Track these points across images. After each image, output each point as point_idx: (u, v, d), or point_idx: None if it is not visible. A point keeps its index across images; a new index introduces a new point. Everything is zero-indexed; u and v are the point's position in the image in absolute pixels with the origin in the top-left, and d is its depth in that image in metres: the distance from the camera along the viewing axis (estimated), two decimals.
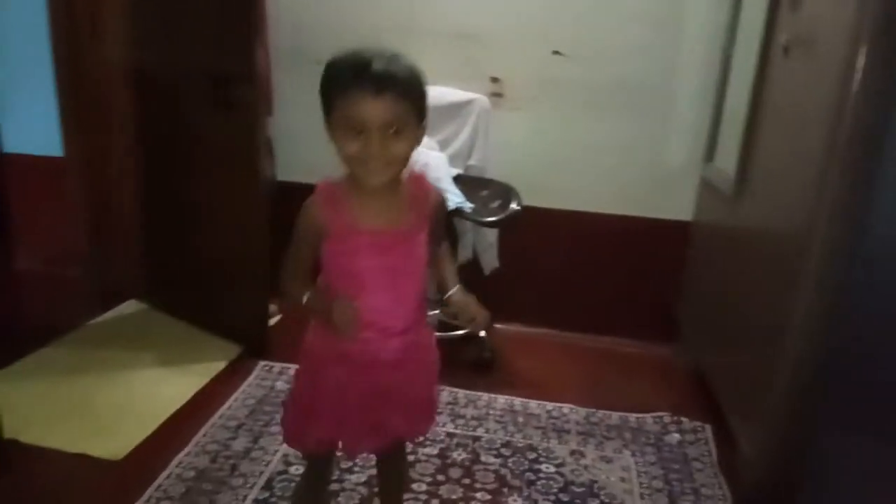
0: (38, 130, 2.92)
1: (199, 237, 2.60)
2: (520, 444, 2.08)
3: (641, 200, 2.73)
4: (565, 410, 2.28)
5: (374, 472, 1.65)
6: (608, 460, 2.03)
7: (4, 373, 2.26)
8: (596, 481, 1.92)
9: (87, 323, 2.69)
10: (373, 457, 1.55)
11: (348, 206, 1.18)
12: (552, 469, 1.97)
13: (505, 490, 1.86)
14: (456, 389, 2.34)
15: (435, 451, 2.00)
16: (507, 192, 2.49)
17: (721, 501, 1.88)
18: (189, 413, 2.12)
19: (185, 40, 2.41)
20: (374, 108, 1.07)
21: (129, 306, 2.85)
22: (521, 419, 2.22)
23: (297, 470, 1.84)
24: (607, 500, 1.85)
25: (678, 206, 2.69)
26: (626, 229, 2.74)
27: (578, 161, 2.73)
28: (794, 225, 1.67)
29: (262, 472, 1.86)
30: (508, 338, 2.75)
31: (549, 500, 1.84)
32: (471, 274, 2.73)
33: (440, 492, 1.83)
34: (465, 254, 2.75)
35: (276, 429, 1.99)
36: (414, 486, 1.83)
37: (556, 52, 2.63)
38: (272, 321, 2.66)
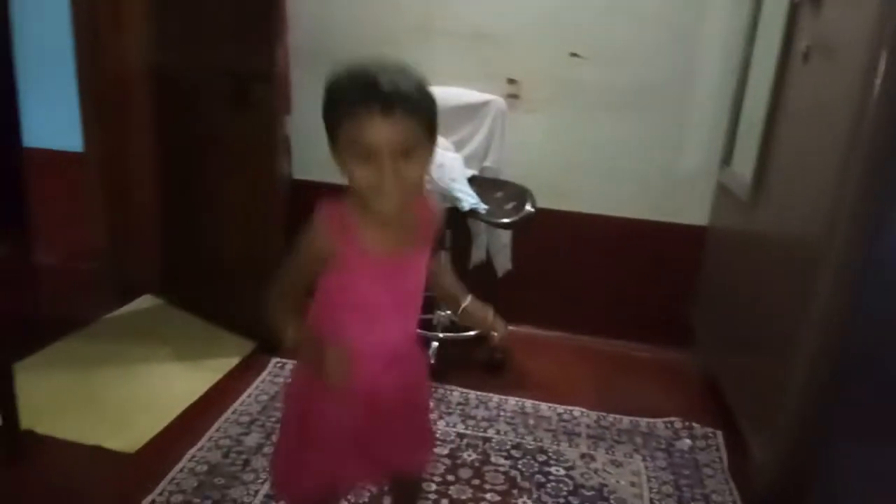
0: (58, 126, 2.95)
1: (215, 234, 2.62)
2: (530, 447, 2.07)
3: (656, 204, 2.72)
4: (576, 413, 2.27)
5: None
6: (618, 464, 2.02)
7: (22, 365, 2.28)
8: (606, 485, 1.92)
9: (104, 317, 2.72)
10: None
11: (357, 231, 1.10)
12: (562, 472, 1.97)
13: (514, 492, 1.86)
14: (467, 390, 2.35)
15: (445, 452, 2.01)
16: (521, 194, 2.49)
17: None
18: (202, 408, 2.14)
19: (206, 39, 2.44)
20: (384, 130, 0.99)
21: (145, 301, 2.88)
22: (531, 421, 2.21)
23: None
24: None
25: (693, 210, 2.68)
26: (640, 233, 2.73)
27: (594, 164, 2.72)
28: (811, 231, 1.66)
29: None
30: (520, 339, 2.75)
31: (558, 502, 1.83)
32: (483, 275, 2.74)
33: (450, 492, 1.84)
34: (478, 255, 2.76)
35: None
36: (423, 485, 1.84)
37: (573, 55, 2.62)
38: None
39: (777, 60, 2.01)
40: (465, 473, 1.92)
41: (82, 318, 2.66)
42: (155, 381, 2.29)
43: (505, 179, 2.63)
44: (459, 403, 2.28)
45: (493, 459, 2.00)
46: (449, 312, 2.60)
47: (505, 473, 1.94)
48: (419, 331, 1.30)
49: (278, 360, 2.44)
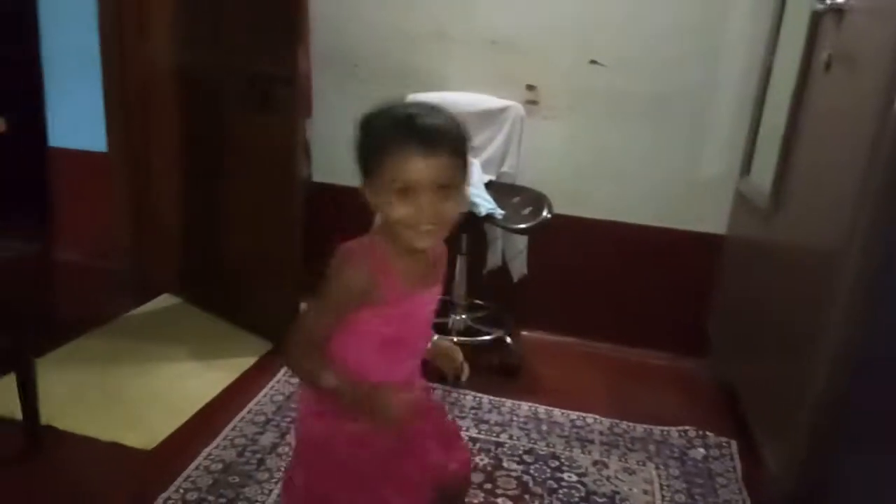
0: (83, 126, 3.01)
1: (234, 234, 2.65)
2: (542, 452, 2.07)
3: (675, 212, 2.71)
4: (589, 420, 2.27)
5: None
6: (631, 472, 2.02)
7: (43, 361, 2.32)
8: (618, 492, 1.91)
9: (124, 315, 2.76)
10: None
11: (395, 270, 1.10)
12: (574, 478, 1.96)
13: (526, 497, 1.87)
14: (480, 395, 2.35)
15: None
16: (538, 200, 2.49)
17: None
18: (219, 407, 2.17)
19: (228, 42, 2.47)
20: (425, 167, 1.00)
21: (164, 300, 2.91)
22: (544, 427, 2.21)
23: None
24: None
25: (712, 219, 2.66)
26: (658, 241, 2.72)
27: (612, 171, 2.72)
28: (830, 241, 1.65)
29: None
30: (535, 345, 2.75)
31: None
32: (499, 280, 2.75)
33: None
34: (494, 260, 2.77)
35: None
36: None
37: (593, 62, 2.63)
38: None
39: (798, 70, 2.00)
40: (477, 478, 1.92)
41: (103, 315, 2.70)
42: (173, 379, 2.32)
43: (522, 185, 2.63)
44: (472, 408, 2.28)
45: (505, 464, 2.00)
46: (465, 316, 2.62)
47: (517, 478, 1.94)
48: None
49: None
